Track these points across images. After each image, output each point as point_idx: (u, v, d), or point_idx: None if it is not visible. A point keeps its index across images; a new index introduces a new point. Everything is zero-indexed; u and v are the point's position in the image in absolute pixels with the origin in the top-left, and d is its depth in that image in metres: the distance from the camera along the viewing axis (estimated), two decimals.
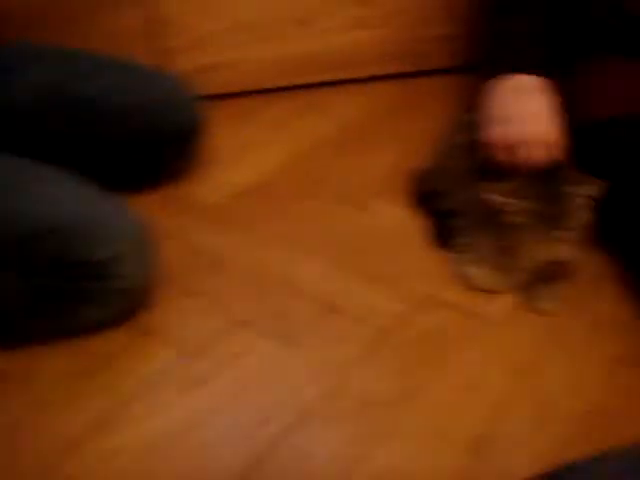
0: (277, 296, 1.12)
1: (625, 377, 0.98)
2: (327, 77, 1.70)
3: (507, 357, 1.02)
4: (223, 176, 1.41)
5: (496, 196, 1.01)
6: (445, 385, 0.98)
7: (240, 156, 1.48)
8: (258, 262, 1.20)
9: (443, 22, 1.68)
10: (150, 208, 1.21)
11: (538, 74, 1.10)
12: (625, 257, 1.14)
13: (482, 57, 1.22)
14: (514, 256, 1.07)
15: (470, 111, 1.25)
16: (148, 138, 1.25)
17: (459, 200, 1.18)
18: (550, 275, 1.09)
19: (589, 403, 0.95)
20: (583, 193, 1.00)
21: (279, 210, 1.33)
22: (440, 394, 0.97)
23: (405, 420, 0.94)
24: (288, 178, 1.41)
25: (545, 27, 1.15)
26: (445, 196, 1.22)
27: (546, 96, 1.09)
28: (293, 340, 1.04)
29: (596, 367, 1.00)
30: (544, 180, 1.01)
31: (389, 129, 1.57)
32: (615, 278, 1.14)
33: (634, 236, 1.08)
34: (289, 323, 1.07)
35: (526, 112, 1.05)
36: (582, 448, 0.86)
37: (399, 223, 1.27)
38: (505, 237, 1.05)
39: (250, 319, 1.09)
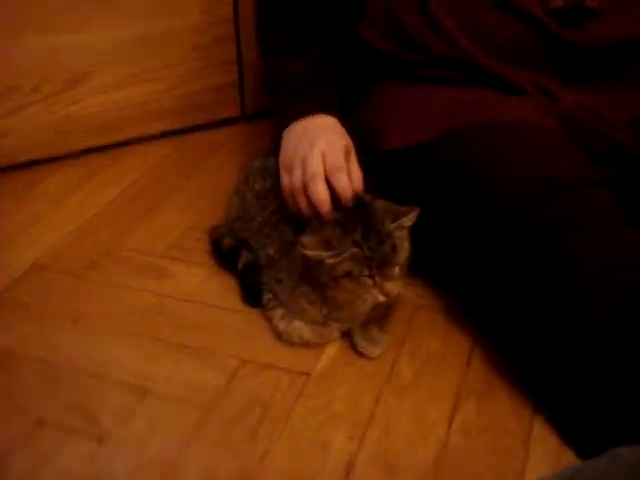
0: (80, 387, 1.02)
1: (465, 413, 0.98)
2: (112, 139, 1.62)
3: (347, 414, 0.98)
4: (1, 259, 1.27)
5: (312, 251, 0.95)
6: (286, 453, 0.93)
7: (19, 234, 1.36)
8: (52, 351, 1.07)
9: (218, 71, 1.66)
10: None
11: (325, 113, 1.08)
12: (443, 284, 1.16)
13: (270, 104, 1.18)
14: (337, 306, 1.03)
15: (261, 157, 1.23)
16: None
17: (267, 253, 1.12)
18: (376, 317, 1.06)
19: (436, 446, 0.93)
20: (403, 224, 0.96)
21: (69, 288, 1.21)
22: (283, 463, 0.92)
23: None
24: (76, 251, 1.31)
25: (325, 64, 1.15)
26: (249, 249, 1.17)
27: (334, 133, 1.06)
28: (106, 436, 0.95)
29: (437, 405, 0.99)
30: (358, 220, 0.97)
31: (179, 188, 1.51)
32: (443, 311, 1.16)
33: (448, 260, 1.09)
34: (98, 417, 0.97)
35: (307, 154, 1.01)
36: None
37: (202, 287, 1.21)
38: (327, 288, 1.00)
39: (52, 418, 0.96)
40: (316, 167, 0.99)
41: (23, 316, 1.14)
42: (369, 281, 0.96)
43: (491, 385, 1.02)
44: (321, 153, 1.00)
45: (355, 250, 0.94)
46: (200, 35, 1.58)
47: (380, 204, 1.00)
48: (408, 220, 0.97)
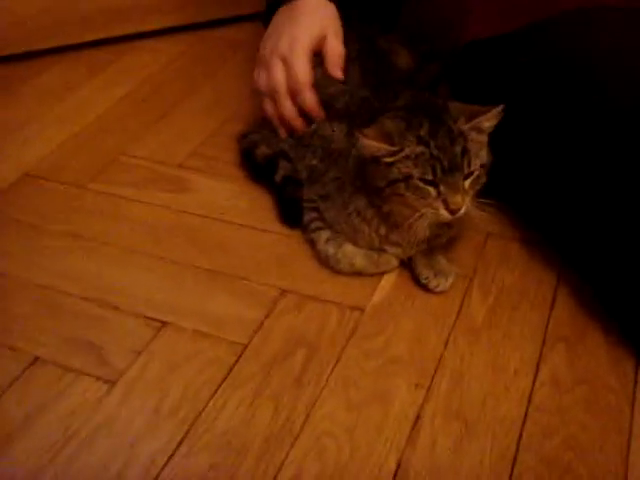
0: (85, 320, 0.88)
1: (552, 363, 0.84)
2: (119, 31, 1.46)
3: (410, 359, 0.84)
4: None
5: (372, 141, 0.81)
6: (341, 404, 0.79)
7: (7, 137, 1.19)
8: (49, 276, 0.93)
9: None
10: None
11: None
12: (520, 210, 1.01)
13: None
14: (395, 225, 0.88)
15: None
16: None
17: (309, 164, 0.98)
18: (442, 244, 0.94)
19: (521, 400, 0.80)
20: (480, 125, 0.83)
21: (68, 203, 1.06)
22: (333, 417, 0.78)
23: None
24: (76, 159, 1.15)
25: None
26: (288, 160, 1.03)
27: (322, 15, 1.00)
28: (116, 379, 0.81)
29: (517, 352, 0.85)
30: (426, 116, 0.82)
31: (198, 88, 1.34)
32: (519, 240, 1.00)
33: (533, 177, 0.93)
34: (107, 356, 0.83)
35: (289, 54, 0.98)
36: None
37: (231, 203, 1.06)
38: (384, 201, 0.85)
39: (52, 356, 0.83)
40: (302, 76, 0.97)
41: (14, 235, 0.99)
42: (432, 191, 0.81)
43: (582, 329, 0.87)
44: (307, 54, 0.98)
45: (420, 148, 0.80)
46: None
47: (455, 104, 0.85)
48: (487, 120, 0.82)
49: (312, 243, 0.96)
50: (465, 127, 0.81)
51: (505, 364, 0.83)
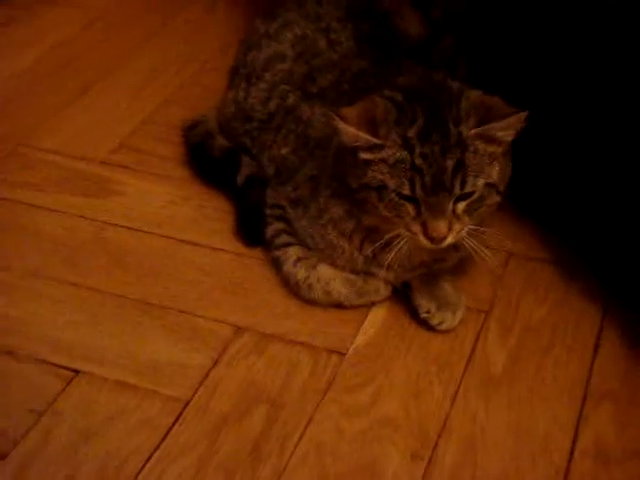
0: None
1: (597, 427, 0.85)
2: None
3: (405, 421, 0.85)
4: None
5: (348, 126, 0.83)
6: None
7: None
8: None
9: None
10: None
11: None
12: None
13: None
14: (381, 242, 0.90)
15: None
16: None
17: (277, 155, 1.03)
18: (445, 268, 0.96)
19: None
20: (492, 133, 0.84)
21: None
22: None
23: None
24: None
25: None
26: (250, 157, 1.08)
27: None
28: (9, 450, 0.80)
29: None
30: (425, 109, 0.85)
31: (131, 55, 1.40)
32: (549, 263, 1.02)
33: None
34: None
35: None
36: None
37: (171, 212, 1.09)
38: (360, 207, 0.88)
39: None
40: None
41: None
42: (411, 210, 0.84)
43: (635, 383, 0.89)
44: None
45: (401, 153, 0.82)
46: None
47: (473, 96, 0.87)
48: (501, 128, 0.84)
49: (277, 264, 0.99)
50: (470, 133, 0.83)
51: (533, 428, 0.84)
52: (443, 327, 0.93)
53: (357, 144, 0.83)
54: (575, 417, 0.85)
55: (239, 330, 0.93)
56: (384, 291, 0.96)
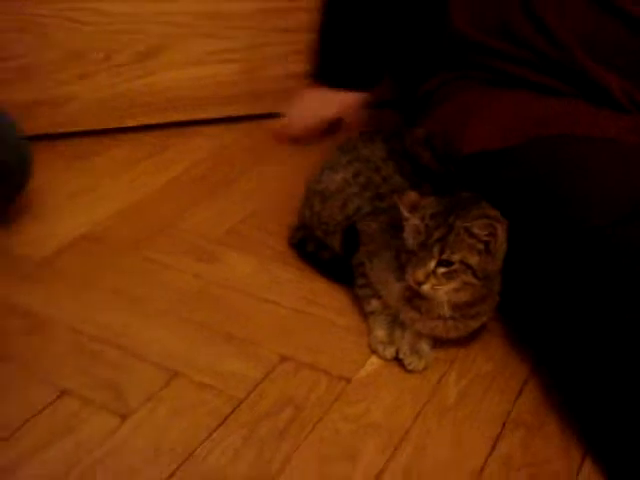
0: (111, 363, 1.08)
1: (509, 444, 1.00)
2: (180, 117, 1.70)
3: (382, 426, 1.01)
4: (50, 227, 1.37)
5: (401, 202, 1.02)
6: (314, 458, 0.96)
7: (71, 204, 1.45)
8: (89, 324, 1.15)
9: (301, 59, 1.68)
10: None
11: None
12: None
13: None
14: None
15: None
16: None
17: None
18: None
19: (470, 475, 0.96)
20: (470, 228, 0.99)
21: (114, 263, 1.29)
22: (306, 468, 0.95)
23: None
24: (127, 227, 1.39)
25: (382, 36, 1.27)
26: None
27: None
28: (130, 414, 1.00)
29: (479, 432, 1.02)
30: (455, 205, 1.01)
31: (245, 174, 1.58)
32: (500, 335, 1.18)
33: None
34: (124, 393, 1.03)
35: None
36: None
37: (253, 277, 1.27)
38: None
39: (78, 390, 1.03)
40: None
41: (63, 287, 1.23)
42: (412, 259, 1.01)
43: (542, 418, 1.04)
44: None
45: (417, 222, 1.01)
46: (285, 19, 1.64)
47: (483, 203, 1.04)
48: (477, 227, 0.99)
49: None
50: (456, 222, 0.99)
51: (464, 441, 1.00)
52: (410, 367, 1.08)
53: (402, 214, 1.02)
54: (495, 437, 0.99)
55: (284, 358, 1.09)
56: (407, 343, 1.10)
